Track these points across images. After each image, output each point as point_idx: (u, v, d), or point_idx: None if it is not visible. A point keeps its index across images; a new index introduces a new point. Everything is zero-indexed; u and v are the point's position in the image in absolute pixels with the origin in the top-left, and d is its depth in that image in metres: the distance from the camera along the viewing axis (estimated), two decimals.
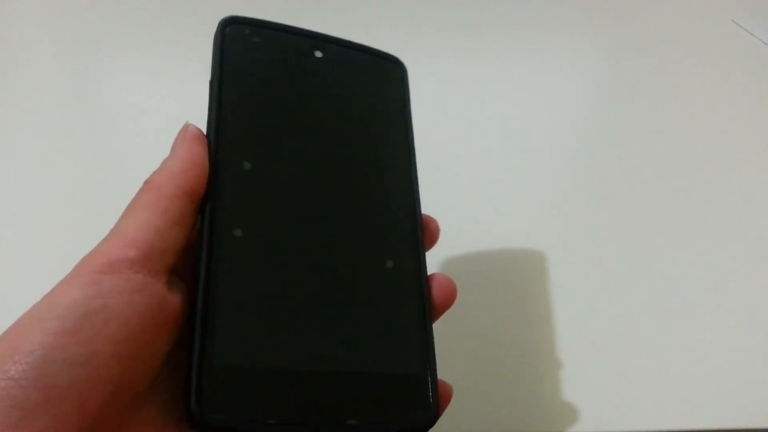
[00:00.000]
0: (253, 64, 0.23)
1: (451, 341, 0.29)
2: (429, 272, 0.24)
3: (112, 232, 0.19)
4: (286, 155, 0.22)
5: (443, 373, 0.22)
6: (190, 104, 0.52)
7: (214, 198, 0.20)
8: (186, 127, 0.21)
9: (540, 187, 0.44)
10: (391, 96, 0.25)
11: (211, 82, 0.22)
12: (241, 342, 0.19)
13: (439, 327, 0.23)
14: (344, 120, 0.24)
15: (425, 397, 0.21)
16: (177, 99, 0.53)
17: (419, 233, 0.24)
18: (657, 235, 0.40)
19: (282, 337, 0.19)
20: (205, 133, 0.21)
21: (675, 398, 0.30)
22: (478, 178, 0.44)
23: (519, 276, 0.37)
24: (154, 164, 0.20)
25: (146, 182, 0.20)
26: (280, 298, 0.20)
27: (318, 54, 0.24)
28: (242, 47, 0.23)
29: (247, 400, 0.18)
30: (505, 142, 0.49)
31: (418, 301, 0.22)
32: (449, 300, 0.24)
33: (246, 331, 0.19)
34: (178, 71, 0.57)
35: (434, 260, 0.35)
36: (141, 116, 0.50)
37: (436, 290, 0.23)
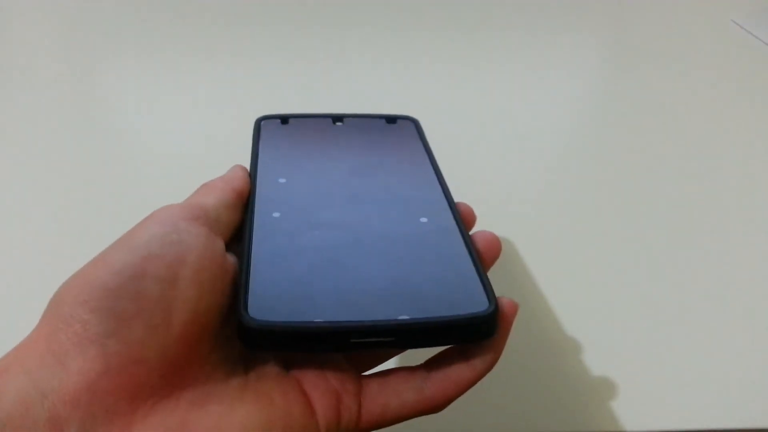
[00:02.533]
0: (284, 132, 0.29)
1: None
2: None
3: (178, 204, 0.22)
4: (314, 174, 0.26)
5: None
6: (190, 103, 0.52)
7: (256, 197, 0.25)
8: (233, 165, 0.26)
9: (541, 185, 0.44)
10: (406, 137, 0.30)
11: (252, 147, 0.28)
12: (284, 264, 0.21)
13: None
14: (365, 155, 0.28)
15: (478, 294, 0.21)
16: (177, 99, 0.53)
17: (452, 203, 0.25)
18: (656, 235, 0.40)
19: (322, 260, 0.22)
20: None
21: (675, 398, 0.30)
22: (481, 175, 0.44)
23: (516, 274, 0.37)
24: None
25: (202, 184, 0.24)
26: (319, 242, 0.22)
27: (339, 124, 0.30)
28: (274, 127, 0.30)
29: (293, 305, 0.19)
30: (508, 140, 0.49)
31: (458, 240, 0.23)
32: (493, 250, 0.23)
33: (288, 256, 0.22)
34: (178, 70, 0.57)
35: None
36: (140, 116, 0.50)
37: (479, 244, 0.23)
